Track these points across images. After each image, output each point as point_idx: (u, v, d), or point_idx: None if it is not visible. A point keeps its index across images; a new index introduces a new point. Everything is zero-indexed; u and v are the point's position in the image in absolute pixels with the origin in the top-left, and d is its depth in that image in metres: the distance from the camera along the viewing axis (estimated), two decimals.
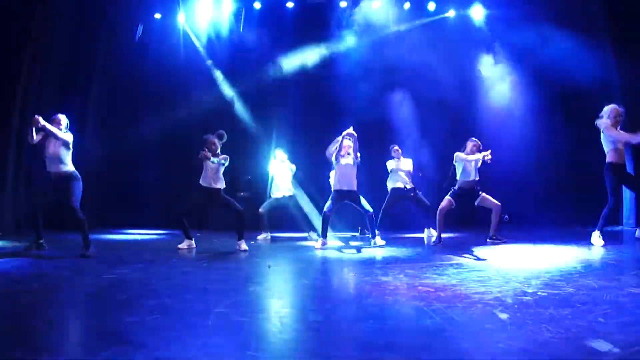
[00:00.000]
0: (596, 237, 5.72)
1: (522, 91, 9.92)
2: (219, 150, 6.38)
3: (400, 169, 8.08)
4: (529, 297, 2.94)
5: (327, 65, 10.11)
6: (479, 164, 6.55)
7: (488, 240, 6.42)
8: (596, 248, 5.49)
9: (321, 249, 6.30)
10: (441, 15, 10.30)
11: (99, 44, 9.92)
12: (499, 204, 6.45)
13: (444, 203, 6.58)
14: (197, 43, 10.37)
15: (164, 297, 3.14)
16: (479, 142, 6.66)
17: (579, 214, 8.90)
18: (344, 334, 2.30)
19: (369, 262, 5.20)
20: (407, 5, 10.22)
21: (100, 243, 6.45)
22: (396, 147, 8.18)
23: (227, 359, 2.01)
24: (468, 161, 6.51)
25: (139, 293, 3.32)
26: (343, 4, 10.27)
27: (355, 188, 6.60)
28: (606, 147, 5.76)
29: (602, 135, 5.76)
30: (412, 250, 6.17)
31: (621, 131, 5.67)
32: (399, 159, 8.12)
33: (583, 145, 7.80)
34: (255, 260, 5.44)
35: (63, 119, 5.62)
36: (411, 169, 8.18)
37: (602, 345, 2.02)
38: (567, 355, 1.93)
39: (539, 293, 3.05)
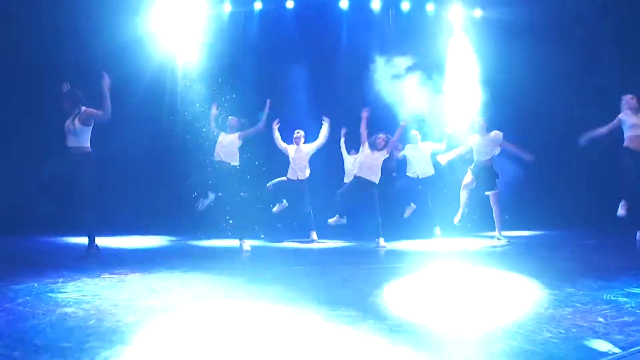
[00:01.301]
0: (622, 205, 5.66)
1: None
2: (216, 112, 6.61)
3: (415, 156, 7.40)
4: (529, 297, 2.94)
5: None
6: (493, 148, 6.47)
7: (496, 239, 6.43)
8: (597, 249, 5.48)
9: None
10: None
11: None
12: (499, 210, 6.44)
13: (466, 178, 6.56)
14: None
15: (164, 298, 3.14)
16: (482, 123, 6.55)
17: (581, 215, 8.88)
18: (345, 334, 2.30)
19: (369, 263, 5.20)
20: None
21: (100, 243, 6.44)
22: (414, 132, 7.40)
23: (227, 359, 2.01)
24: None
25: (139, 293, 3.32)
26: (343, 4, 10.24)
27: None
28: (625, 134, 5.79)
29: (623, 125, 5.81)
30: (413, 250, 6.17)
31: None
32: (415, 144, 7.41)
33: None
34: (256, 260, 5.44)
35: (75, 92, 5.06)
36: (429, 154, 7.36)
37: (602, 345, 2.02)
38: (567, 355, 1.93)
39: (539, 293, 3.05)
